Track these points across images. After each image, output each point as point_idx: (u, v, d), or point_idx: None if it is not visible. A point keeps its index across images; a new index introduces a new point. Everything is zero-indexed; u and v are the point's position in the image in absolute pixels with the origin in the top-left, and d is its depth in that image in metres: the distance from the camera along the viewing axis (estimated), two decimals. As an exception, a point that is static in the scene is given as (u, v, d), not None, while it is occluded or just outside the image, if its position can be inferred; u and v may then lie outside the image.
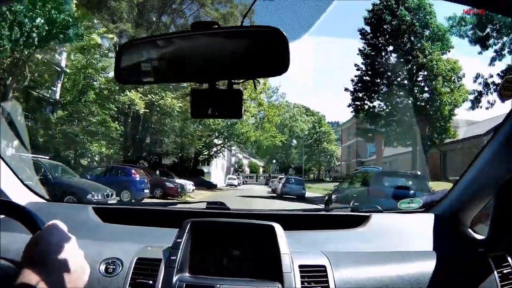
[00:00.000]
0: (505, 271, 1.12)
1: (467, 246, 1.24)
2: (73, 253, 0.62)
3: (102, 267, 1.08)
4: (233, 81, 0.86)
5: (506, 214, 1.15)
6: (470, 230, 1.29)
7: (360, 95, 18.39)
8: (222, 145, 25.22)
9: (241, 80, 0.91)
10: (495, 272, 1.10)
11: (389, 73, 17.62)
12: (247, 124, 21.27)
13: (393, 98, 17.57)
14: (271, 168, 45.17)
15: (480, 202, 1.25)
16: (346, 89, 18.47)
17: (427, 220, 1.36)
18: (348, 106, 18.94)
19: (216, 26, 0.82)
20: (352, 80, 18.46)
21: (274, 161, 38.98)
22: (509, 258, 1.14)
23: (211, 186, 20.65)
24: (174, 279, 1.04)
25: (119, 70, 0.90)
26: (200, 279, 1.07)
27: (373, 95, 18.15)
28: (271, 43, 0.80)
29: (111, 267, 1.08)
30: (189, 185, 14.63)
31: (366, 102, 18.39)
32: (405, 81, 17.26)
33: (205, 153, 24.78)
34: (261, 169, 51.15)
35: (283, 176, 22.76)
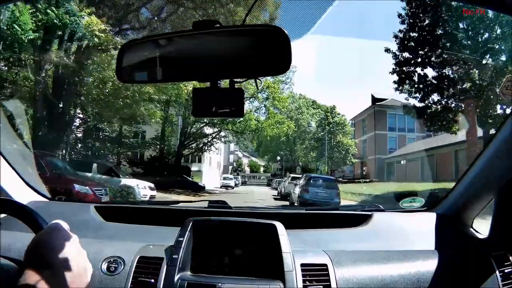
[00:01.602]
0: (506, 270, 1.11)
1: (469, 246, 1.23)
2: (75, 253, 0.61)
3: (104, 266, 1.08)
4: (234, 80, 0.86)
5: (507, 213, 1.15)
6: (472, 229, 1.29)
7: (409, 56, 13.51)
8: (214, 135, 19.92)
9: (243, 79, 0.91)
10: (497, 272, 1.10)
11: (451, 23, 12.37)
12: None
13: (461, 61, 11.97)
14: (273, 167, 42.12)
15: (482, 202, 1.25)
16: (386, 50, 13.89)
17: (429, 219, 1.36)
18: (392, 73, 13.81)
19: (218, 25, 0.82)
20: (396, 37, 13.52)
21: (279, 158, 34.13)
22: (511, 257, 1.14)
23: (196, 188, 16.18)
24: (176, 277, 1.04)
25: (121, 69, 0.90)
26: (201, 277, 1.08)
27: (424, 57, 12.92)
28: (273, 42, 0.81)
29: (113, 265, 1.09)
30: (143, 188, 10.12)
31: (416, 68, 13.31)
32: (481, 37, 12.15)
33: (192, 145, 19.64)
34: (262, 169, 48.81)
35: (299, 176, 15.65)
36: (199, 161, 23.51)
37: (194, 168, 22.41)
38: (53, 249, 0.59)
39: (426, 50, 13.16)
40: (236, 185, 25.88)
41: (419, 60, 13.51)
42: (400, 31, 13.71)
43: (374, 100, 27.71)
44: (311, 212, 1.62)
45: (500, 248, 1.16)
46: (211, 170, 26.62)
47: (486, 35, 12.23)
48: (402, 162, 24.31)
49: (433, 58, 13.10)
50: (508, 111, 11.06)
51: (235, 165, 41.46)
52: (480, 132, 12.38)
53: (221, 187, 23.15)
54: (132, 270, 1.07)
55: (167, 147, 18.32)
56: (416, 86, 13.70)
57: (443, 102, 13.41)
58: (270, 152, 34.94)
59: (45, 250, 0.58)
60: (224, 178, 25.84)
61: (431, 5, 12.93)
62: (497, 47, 12.00)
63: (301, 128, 29.04)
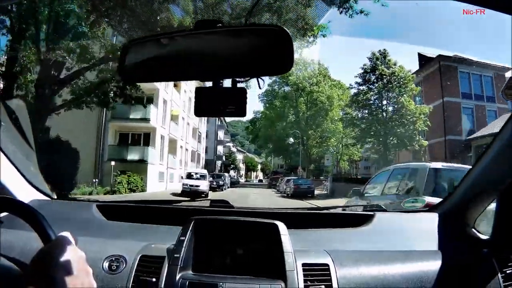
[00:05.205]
0: (508, 272, 1.11)
1: (471, 246, 1.23)
2: (81, 271, 0.60)
3: (106, 264, 1.09)
4: (237, 79, 0.86)
5: (510, 214, 1.15)
6: (474, 230, 1.29)
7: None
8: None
9: (245, 78, 0.91)
10: (499, 273, 1.10)
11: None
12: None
13: None
14: (273, 164, 36.33)
15: (484, 202, 1.24)
16: None
17: (431, 219, 1.36)
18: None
19: (220, 25, 0.82)
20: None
21: (292, 140, 24.16)
22: None
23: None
24: (177, 276, 1.05)
25: (124, 68, 0.90)
26: (203, 276, 1.08)
27: None
28: (275, 41, 0.81)
29: (115, 264, 1.09)
30: None
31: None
32: None
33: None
34: (259, 166, 43.21)
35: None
36: (146, 142, 12.95)
37: (131, 155, 13.10)
38: (59, 266, 0.58)
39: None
40: (219, 186, 17.47)
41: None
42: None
43: (424, 59, 18.43)
44: (313, 212, 1.62)
45: (502, 249, 1.15)
46: (174, 163, 16.03)
47: None
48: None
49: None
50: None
51: (225, 159, 32.24)
52: None
53: (182, 193, 13.36)
54: (134, 269, 1.07)
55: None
56: None
57: None
58: (273, 140, 25.14)
59: (50, 266, 0.57)
60: (189, 176, 14.38)
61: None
62: None
63: (314, 106, 19.70)
